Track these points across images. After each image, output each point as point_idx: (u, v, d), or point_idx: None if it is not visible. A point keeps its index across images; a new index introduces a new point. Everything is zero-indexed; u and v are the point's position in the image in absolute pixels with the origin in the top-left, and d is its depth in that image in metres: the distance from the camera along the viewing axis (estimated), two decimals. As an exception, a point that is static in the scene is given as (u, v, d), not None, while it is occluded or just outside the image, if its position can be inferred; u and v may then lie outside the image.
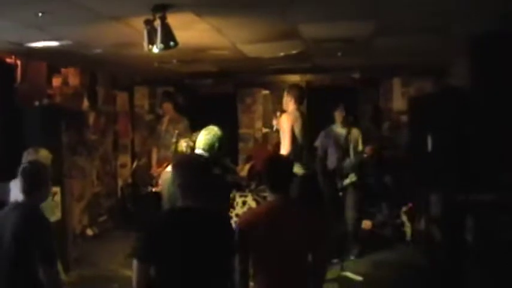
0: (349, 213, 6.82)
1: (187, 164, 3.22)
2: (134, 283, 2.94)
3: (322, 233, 3.45)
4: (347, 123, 6.84)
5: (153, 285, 2.96)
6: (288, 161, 3.81)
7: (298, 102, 6.00)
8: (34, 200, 3.43)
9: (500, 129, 4.92)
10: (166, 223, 3.09)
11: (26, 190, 3.38)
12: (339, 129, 6.89)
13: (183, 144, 5.86)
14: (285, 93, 6.09)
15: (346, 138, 6.78)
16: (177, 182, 3.06)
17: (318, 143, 7.05)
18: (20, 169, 3.45)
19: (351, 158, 6.72)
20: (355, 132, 6.84)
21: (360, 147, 6.74)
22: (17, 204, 3.43)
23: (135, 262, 2.96)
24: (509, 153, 4.82)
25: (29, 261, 3.27)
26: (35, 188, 3.41)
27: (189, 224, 3.00)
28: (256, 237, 3.21)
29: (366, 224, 7.51)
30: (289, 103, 5.99)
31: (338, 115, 6.91)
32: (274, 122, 6.32)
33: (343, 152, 6.77)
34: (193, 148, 6.84)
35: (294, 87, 6.26)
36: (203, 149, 4.19)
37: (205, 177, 3.15)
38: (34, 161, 4.08)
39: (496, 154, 4.91)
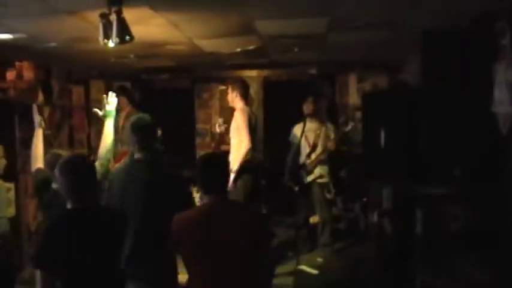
0: (318, 211, 6.89)
1: (73, 165, 3.16)
2: None
3: (263, 232, 3.29)
4: (317, 117, 6.85)
5: None
6: (222, 159, 3.61)
7: (244, 97, 5.98)
8: None
9: (452, 125, 5.05)
10: (62, 225, 3.05)
11: None
12: (309, 124, 6.90)
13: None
14: (229, 89, 6.04)
15: (315, 133, 6.79)
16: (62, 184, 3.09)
17: (290, 137, 7.08)
18: None
19: (316, 154, 6.76)
20: (327, 127, 6.84)
21: (330, 144, 6.74)
22: None
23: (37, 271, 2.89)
24: (461, 148, 4.96)
25: None
26: None
27: (87, 225, 3.03)
28: (189, 242, 3.07)
29: (313, 219, 7.59)
30: (235, 99, 5.96)
31: (306, 108, 6.91)
32: (217, 129, 6.24)
33: (312, 147, 6.81)
34: None
35: (238, 83, 6.20)
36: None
37: (91, 177, 3.19)
38: None
39: (447, 149, 5.05)
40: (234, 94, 5.96)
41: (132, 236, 3.52)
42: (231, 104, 6.08)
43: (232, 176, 5.66)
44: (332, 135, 6.77)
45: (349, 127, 7.10)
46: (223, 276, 3.04)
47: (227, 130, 6.12)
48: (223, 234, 3.05)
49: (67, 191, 3.04)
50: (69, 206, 3.04)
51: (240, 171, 5.74)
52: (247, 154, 5.71)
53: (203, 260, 3.05)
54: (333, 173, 7.93)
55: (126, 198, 3.66)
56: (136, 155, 3.86)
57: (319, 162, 6.76)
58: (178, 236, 3.10)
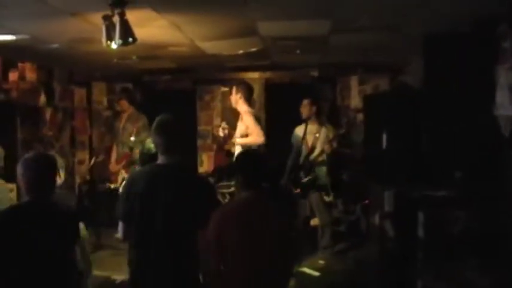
0: (316, 213, 6.89)
1: (32, 161, 3.20)
2: None
3: (290, 225, 3.58)
4: (316, 119, 6.84)
5: None
6: (262, 155, 3.83)
7: (248, 99, 5.99)
8: None
9: (454, 128, 5.05)
10: (4, 223, 3.07)
11: None
12: (309, 126, 6.90)
13: (150, 144, 5.83)
14: (233, 91, 6.03)
15: (313, 135, 6.79)
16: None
17: (292, 140, 7.09)
18: None
19: (313, 156, 6.76)
20: (327, 129, 6.83)
21: (327, 146, 6.72)
22: None
23: None
24: (462, 151, 4.96)
25: None
26: None
27: (31, 222, 3.05)
28: (230, 236, 3.15)
29: (314, 221, 7.56)
30: (238, 101, 5.95)
31: (302, 111, 6.92)
32: (221, 133, 6.21)
33: (310, 149, 6.80)
34: None
35: (243, 85, 6.17)
36: None
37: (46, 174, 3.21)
38: None
39: (449, 152, 5.04)
40: (238, 96, 5.93)
41: (152, 243, 3.24)
42: (234, 106, 6.06)
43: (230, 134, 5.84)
44: (330, 137, 6.76)
45: (342, 130, 7.13)
46: (260, 265, 3.17)
47: (231, 134, 6.09)
48: (263, 226, 3.20)
49: (22, 185, 3.15)
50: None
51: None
52: (255, 143, 5.72)
53: (244, 250, 3.16)
54: (334, 175, 7.94)
55: (148, 203, 3.25)
56: (160, 159, 3.38)
57: (317, 164, 6.76)
58: (220, 227, 3.14)
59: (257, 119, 6.04)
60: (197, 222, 3.17)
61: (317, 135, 6.76)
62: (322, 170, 6.81)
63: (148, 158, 5.38)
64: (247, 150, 4.60)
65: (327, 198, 6.85)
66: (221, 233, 3.14)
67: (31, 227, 3.03)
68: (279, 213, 3.41)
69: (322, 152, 6.71)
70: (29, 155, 3.29)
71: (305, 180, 6.76)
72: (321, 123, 6.87)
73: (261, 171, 3.45)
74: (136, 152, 7.00)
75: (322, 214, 6.83)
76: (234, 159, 3.46)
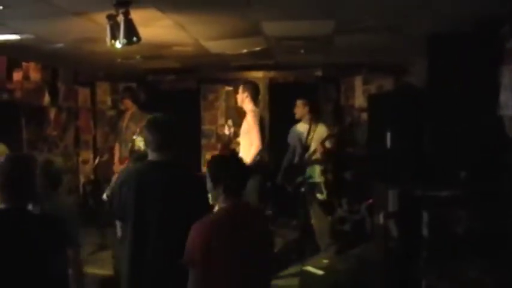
0: (311, 212, 6.88)
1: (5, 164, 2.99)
2: None
3: (270, 235, 3.32)
4: (309, 119, 6.87)
5: None
6: (242, 161, 3.40)
7: (254, 98, 5.96)
8: None
9: (458, 128, 5.05)
10: None
11: None
12: (301, 126, 6.94)
13: (139, 142, 5.84)
14: (240, 89, 6.02)
15: (308, 134, 6.82)
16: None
17: (288, 139, 7.11)
18: None
19: (307, 155, 6.77)
20: (320, 129, 6.84)
21: (318, 146, 6.73)
22: None
23: None
24: (467, 151, 4.95)
25: None
26: None
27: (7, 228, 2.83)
28: (215, 249, 2.86)
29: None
30: (245, 99, 5.93)
31: (296, 111, 6.96)
32: (227, 131, 6.18)
33: (303, 149, 6.82)
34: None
35: (250, 84, 6.17)
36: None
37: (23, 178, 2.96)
38: None
39: (453, 152, 5.04)
40: (245, 95, 5.91)
41: (145, 243, 3.27)
42: (240, 104, 6.04)
43: None
44: (323, 137, 6.76)
45: (335, 129, 7.16)
46: (245, 276, 2.97)
47: (236, 133, 6.08)
48: (247, 236, 2.99)
49: None
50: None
51: (252, 172, 5.74)
52: (257, 155, 5.70)
53: (228, 262, 2.93)
54: (337, 174, 7.95)
55: (140, 201, 3.30)
56: (151, 156, 3.46)
57: (310, 163, 6.78)
58: (201, 241, 2.87)
59: (262, 118, 6.04)
60: (189, 218, 3.12)
61: (311, 134, 6.79)
62: (316, 169, 6.82)
63: (137, 156, 5.40)
64: (227, 155, 4.22)
65: (320, 196, 6.85)
66: (208, 253, 2.85)
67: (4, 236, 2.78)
68: (263, 218, 3.28)
69: (315, 151, 6.73)
70: (4, 157, 3.05)
71: (299, 179, 6.79)
72: (315, 123, 6.88)
73: (246, 176, 3.21)
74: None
75: (315, 212, 6.82)
76: (209, 165, 3.14)
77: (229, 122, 6.18)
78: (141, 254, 3.28)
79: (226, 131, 6.10)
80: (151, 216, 3.27)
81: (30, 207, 3.02)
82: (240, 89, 5.99)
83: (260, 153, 5.71)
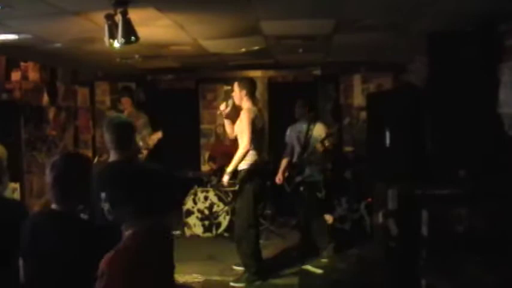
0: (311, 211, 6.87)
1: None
2: None
3: None
4: (308, 119, 6.87)
5: None
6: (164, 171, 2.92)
7: (251, 94, 5.86)
8: None
9: (457, 126, 5.04)
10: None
11: None
12: (299, 125, 6.93)
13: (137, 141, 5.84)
14: (236, 88, 5.90)
15: (307, 133, 6.81)
16: None
17: (286, 139, 7.10)
18: None
19: (306, 154, 6.76)
20: (319, 128, 6.83)
21: (319, 144, 6.71)
22: None
23: None
24: (466, 149, 4.95)
25: None
26: None
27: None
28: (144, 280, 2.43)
29: (329, 218, 7.52)
30: (243, 97, 5.83)
31: (296, 110, 6.95)
32: (223, 108, 6.06)
33: (302, 148, 6.81)
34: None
35: (245, 80, 6.07)
36: None
37: None
38: None
39: (453, 150, 5.04)
40: (243, 92, 5.81)
41: None
42: (237, 103, 5.94)
43: (226, 177, 5.70)
44: (323, 136, 6.75)
45: (334, 128, 7.16)
46: None
47: (229, 115, 6.00)
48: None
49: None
50: None
51: (249, 175, 5.73)
52: (244, 156, 5.65)
53: None
54: (336, 173, 7.94)
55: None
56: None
57: (309, 162, 6.77)
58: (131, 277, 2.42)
59: (261, 115, 6.00)
60: None
61: (309, 134, 6.78)
62: (313, 168, 6.80)
63: None
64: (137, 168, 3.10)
65: (319, 195, 6.84)
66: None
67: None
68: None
69: (314, 150, 6.71)
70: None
71: (297, 178, 6.78)
72: (313, 122, 6.86)
73: (166, 193, 2.74)
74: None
75: (313, 211, 6.80)
76: (117, 180, 2.63)
77: (230, 101, 6.04)
78: None
79: (223, 112, 5.98)
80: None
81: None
82: (236, 87, 5.88)
83: (246, 154, 5.67)
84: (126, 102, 7.82)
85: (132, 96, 8.05)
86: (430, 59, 5.27)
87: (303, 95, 7.12)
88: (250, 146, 5.61)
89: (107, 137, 3.77)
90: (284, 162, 7.03)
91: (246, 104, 5.79)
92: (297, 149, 6.89)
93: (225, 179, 5.72)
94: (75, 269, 2.61)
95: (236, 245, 5.89)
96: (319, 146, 6.63)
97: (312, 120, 6.87)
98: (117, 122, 3.84)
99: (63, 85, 8.33)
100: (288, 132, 7.08)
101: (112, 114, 9.55)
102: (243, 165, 5.72)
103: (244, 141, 5.60)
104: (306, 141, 6.79)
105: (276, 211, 8.23)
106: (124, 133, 3.78)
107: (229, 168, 5.69)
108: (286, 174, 6.98)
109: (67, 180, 2.73)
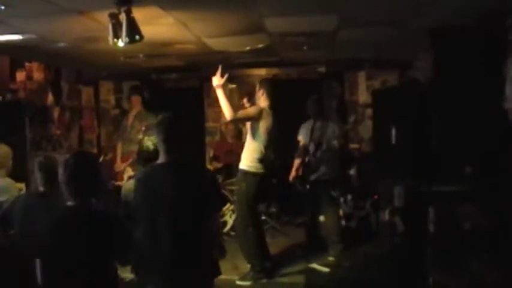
0: (323, 209, 6.85)
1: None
2: None
3: None
4: (320, 116, 6.83)
5: None
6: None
7: (268, 95, 5.97)
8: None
9: (463, 122, 5.02)
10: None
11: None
12: (313, 123, 6.88)
13: (148, 142, 5.85)
14: (257, 87, 6.05)
15: (320, 131, 6.76)
16: None
17: (299, 136, 7.06)
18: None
19: (320, 152, 6.73)
20: (332, 126, 6.80)
21: (335, 141, 6.69)
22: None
23: None
24: (472, 146, 4.93)
25: None
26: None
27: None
28: None
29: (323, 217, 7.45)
30: (261, 97, 5.94)
31: (308, 107, 6.91)
32: (245, 101, 6.23)
33: (316, 145, 6.77)
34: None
35: (266, 81, 6.21)
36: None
37: None
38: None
39: (459, 146, 5.02)
40: (261, 92, 5.93)
41: (162, 241, 3.25)
42: (256, 102, 6.05)
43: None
44: (337, 133, 6.72)
45: (349, 126, 7.14)
46: None
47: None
48: None
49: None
50: None
51: (246, 176, 5.77)
52: (227, 108, 5.70)
53: None
54: (343, 170, 7.91)
55: (154, 202, 3.28)
56: (162, 158, 3.41)
57: (323, 160, 6.73)
58: None
59: (271, 119, 6.06)
60: (204, 213, 3.23)
61: (323, 130, 6.72)
62: (328, 166, 6.77)
63: (146, 156, 5.38)
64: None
65: (333, 194, 6.83)
66: None
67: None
68: None
69: (328, 148, 6.68)
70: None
71: (312, 176, 6.73)
72: (327, 120, 6.83)
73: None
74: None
75: (329, 210, 6.79)
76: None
77: (245, 100, 6.21)
78: (153, 255, 3.27)
79: (246, 104, 6.16)
80: (165, 218, 3.25)
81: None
82: (257, 87, 6.04)
83: (264, 153, 5.72)
84: (135, 101, 7.86)
85: (143, 95, 8.07)
86: (435, 54, 5.24)
87: (309, 93, 7.06)
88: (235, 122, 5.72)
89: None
90: (297, 161, 6.97)
91: (262, 103, 5.89)
92: (311, 148, 6.84)
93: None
94: (92, 259, 2.90)
95: (239, 244, 5.92)
96: (335, 143, 6.60)
97: (325, 119, 6.84)
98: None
99: (67, 85, 8.34)
100: (301, 129, 7.04)
101: (116, 113, 9.60)
102: (242, 166, 5.79)
103: (235, 115, 5.67)
104: (320, 139, 6.74)
105: (280, 209, 8.21)
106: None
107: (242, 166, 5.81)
108: (300, 172, 6.92)
109: (80, 177, 2.99)
